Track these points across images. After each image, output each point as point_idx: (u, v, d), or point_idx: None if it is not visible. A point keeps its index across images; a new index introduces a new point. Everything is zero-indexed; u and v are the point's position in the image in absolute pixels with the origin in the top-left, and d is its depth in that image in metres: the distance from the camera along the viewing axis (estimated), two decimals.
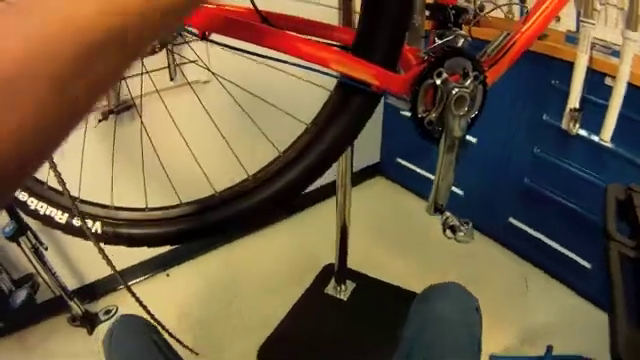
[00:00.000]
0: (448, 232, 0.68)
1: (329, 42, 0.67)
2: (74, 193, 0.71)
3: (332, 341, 1.36)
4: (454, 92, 0.64)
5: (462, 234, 0.66)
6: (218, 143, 0.82)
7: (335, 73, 0.57)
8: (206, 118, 0.80)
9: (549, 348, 1.26)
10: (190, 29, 0.50)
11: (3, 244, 1.28)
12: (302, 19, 0.67)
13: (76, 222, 0.69)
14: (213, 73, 0.82)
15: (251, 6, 0.59)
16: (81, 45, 0.20)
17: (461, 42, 0.66)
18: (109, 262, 0.67)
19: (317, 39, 0.65)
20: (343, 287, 1.51)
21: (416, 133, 0.66)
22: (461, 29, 0.68)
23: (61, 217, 0.70)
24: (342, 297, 1.49)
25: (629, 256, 0.71)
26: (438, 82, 0.63)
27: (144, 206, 0.69)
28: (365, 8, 0.57)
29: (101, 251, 0.66)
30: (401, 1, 0.56)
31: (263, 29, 0.50)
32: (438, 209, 0.72)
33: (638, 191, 0.84)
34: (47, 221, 0.70)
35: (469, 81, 0.66)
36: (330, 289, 1.52)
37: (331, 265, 1.51)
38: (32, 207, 0.70)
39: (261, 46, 0.49)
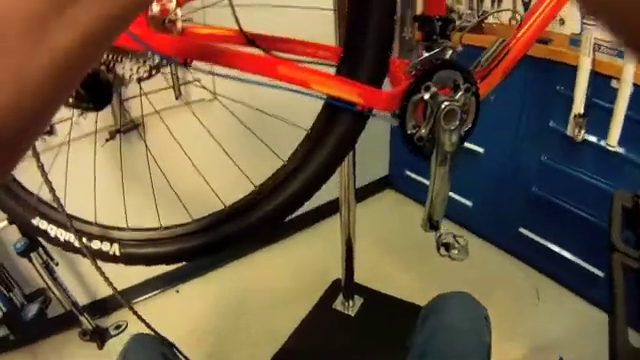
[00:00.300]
0: (442, 250, 0.67)
1: (319, 62, 0.67)
2: (89, 217, 0.73)
3: (340, 358, 1.34)
4: (443, 106, 0.63)
5: (456, 251, 0.65)
6: (227, 159, 0.83)
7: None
8: (215, 134, 0.81)
9: None
10: (172, 58, 0.50)
11: (15, 259, 1.31)
12: (291, 39, 0.67)
13: (94, 245, 0.70)
14: (213, 93, 0.83)
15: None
16: None
17: (449, 54, 0.66)
18: (108, 281, 0.69)
19: (307, 59, 0.66)
20: (351, 302, 1.49)
21: (407, 150, 0.65)
22: (450, 40, 0.67)
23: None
24: (350, 313, 1.48)
25: (632, 267, 0.69)
26: (426, 96, 0.62)
27: (158, 225, 0.70)
28: (348, 25, 0.57)
29: (98, 268, 0.67)
30: (384, 16, 0.56)
31: (240, 54, 0.50)
32: (433, 226, 0.70)
33: None
34: (67, 246, 0.73)
35: (459, 94, 0.65)
36: (338, 304, 1.50)
37: (340, 280, 1.50)
38: (52, 234, 0.73)
39: (240, 70, 0.50)
